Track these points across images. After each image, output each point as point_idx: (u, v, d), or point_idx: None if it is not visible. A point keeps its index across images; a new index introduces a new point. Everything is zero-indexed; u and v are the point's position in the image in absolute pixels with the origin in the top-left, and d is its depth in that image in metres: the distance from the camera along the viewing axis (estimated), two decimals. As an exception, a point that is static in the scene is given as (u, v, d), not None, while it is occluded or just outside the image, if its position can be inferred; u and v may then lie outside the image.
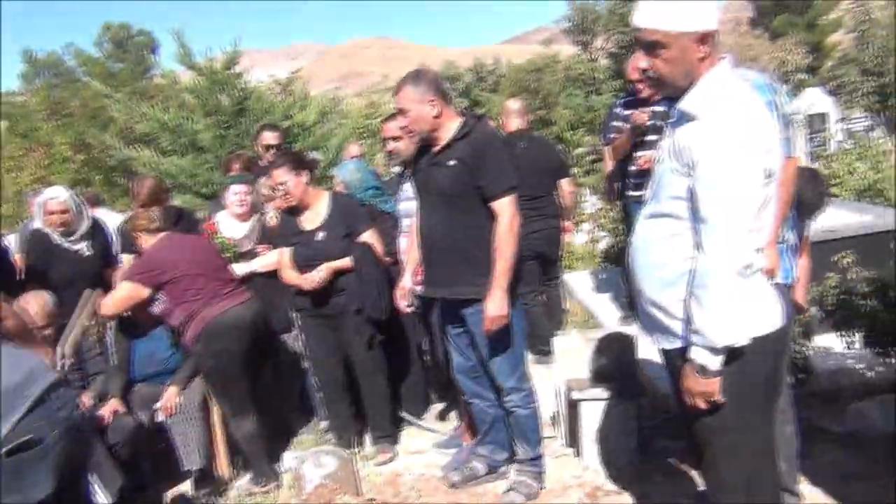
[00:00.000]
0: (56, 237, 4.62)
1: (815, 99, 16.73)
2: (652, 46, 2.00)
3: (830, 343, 4.48)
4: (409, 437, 4.60)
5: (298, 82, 11.48)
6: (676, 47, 1.98)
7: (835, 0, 35.14)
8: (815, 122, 15.36)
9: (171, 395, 4.20)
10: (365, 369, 4.25)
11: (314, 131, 7.99)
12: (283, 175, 4.04)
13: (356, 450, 4.27)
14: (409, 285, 3.61)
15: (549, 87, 25.39)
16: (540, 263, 5.56)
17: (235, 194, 4.83)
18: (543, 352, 5.41)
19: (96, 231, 4.83)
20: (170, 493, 4.22)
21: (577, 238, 9.46)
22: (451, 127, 3.26)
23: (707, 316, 1.96)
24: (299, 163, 4.11)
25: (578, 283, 7.41)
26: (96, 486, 3.45)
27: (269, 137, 5.82)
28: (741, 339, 1.99)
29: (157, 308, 4.22)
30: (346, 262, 4.06)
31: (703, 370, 2.01)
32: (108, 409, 4.07)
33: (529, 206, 5.33)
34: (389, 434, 4.39)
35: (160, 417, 4.20)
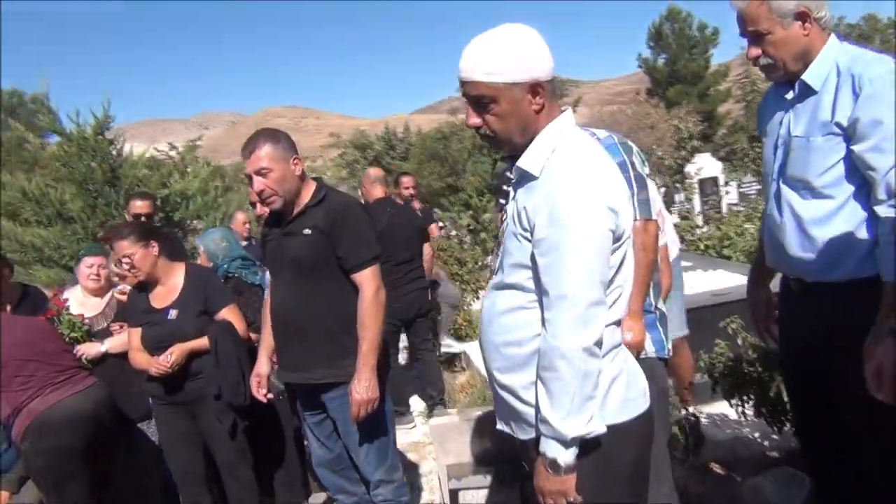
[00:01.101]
0: None
1: (705, 164, 17.35)
2: (480, 101, 1.77)
3: (724, 411, 4.32)
4: (283, 533, 4.15)
5: (187, 150, 10.99)
6: (506, 101, 1.75)
7: (724, 72, 37.37)
8: (708, 186, 15.88)
9: (1, 501, 3.65)
10: (226, 461, 3.81)
11: (196, 200, 7.56)
12: (128, 247, 3.64)
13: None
14: (265, 370, 3.22)
15: (456, 154, 25.66)
16: (409, 325, 5.68)
17: (89, 267, 4.38)
18: (399, 412, 5.23)
19: None
20: None
21: (478, 305, 9.24)
22: (306, 192, 2.97)
23: (554, 403, 1.69)
24: (148, 233, 3.72)
25: (477, 353, 7.13)
26: None
27: (139, 206, 5.39)
28: (597, 429, 1.72)
29: None
30: (201, 342, 3.66)
31: (554, 466, 1.72)
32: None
33: (399, 271, 5.40)
34: (257, 531, 3.93)
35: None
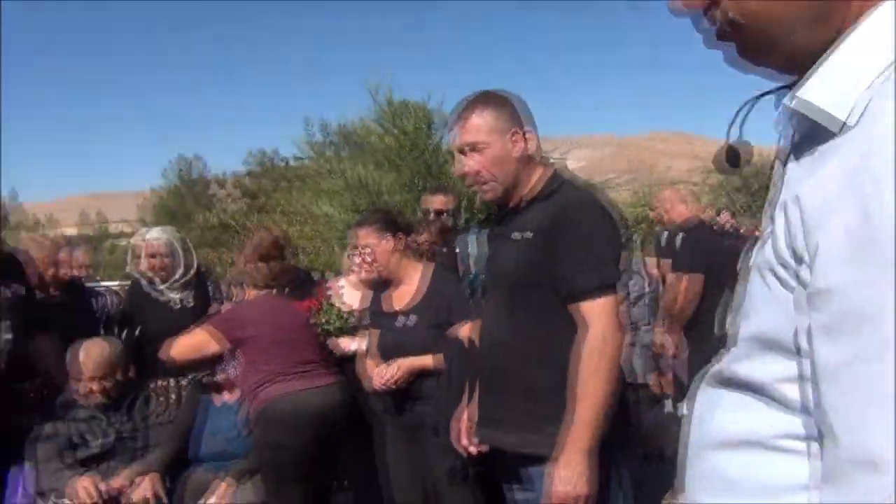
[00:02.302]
0: (147, 285, 4.15)
1: None
2: None
3: None
4: None
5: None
6: None
7: None
8: None
9: (220, 492, 3.45)
10: (447, 506, 3.14)
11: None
12: (367, 236, 3.18)
13: None
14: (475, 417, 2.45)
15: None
16: None
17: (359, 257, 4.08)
18: None
19: (200, 284, 4.30)
20: None
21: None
22: (532, 181, 2.14)
23: None
24: (391, 224, 3.21)
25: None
26: None
27: (435, 201, 4.98)
28: None
29: (231, 371, 3.58)
30: (432, 360, 3.04)
31: None
32: (139, 493, 3.39)
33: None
34: None
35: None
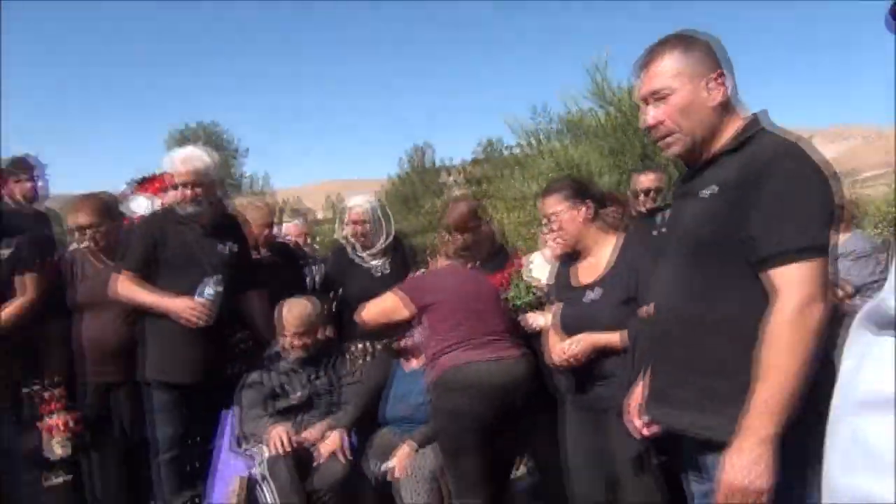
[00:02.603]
0: (350, 251, 4.30)
1: None
2: None
3: None
4: None
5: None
6: None
7: None
8: None
9: (402, 454, 3.51)
10: (630, 498, 2.94)
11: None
12: (555, 204, 3.03)
13: None
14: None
15: None
16: None
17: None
18: None
19: (397, 252, 4.40)
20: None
21: None
22: (726, 133, 1.88)
23: None
24: (581, 192, 3.04)
25: None
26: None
27: (645, 180, 4.76)
28: None
29: (417, 336, 3.65)
30: (613, 337, 2.85)
31: None
32: (327, 447, 3.54)
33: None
34: None
35: (395, 475, 3.53)
